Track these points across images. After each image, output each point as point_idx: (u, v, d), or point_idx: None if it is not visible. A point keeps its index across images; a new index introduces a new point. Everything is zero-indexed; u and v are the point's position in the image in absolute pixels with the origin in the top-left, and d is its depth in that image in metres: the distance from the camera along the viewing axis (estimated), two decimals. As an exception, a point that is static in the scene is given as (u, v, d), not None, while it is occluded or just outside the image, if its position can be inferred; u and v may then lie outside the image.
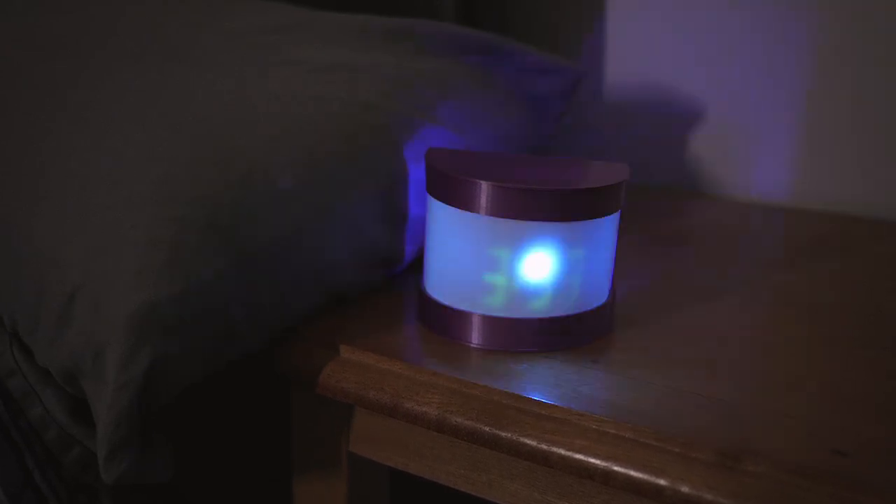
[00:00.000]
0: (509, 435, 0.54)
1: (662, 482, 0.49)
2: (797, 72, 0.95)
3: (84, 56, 0.72)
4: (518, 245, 0.59)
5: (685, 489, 0.49)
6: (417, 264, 0.69)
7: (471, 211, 0.58)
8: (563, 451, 0.52)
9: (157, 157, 0.60)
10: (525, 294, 0.60)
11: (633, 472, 0.50)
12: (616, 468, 0.51)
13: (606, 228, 0.61)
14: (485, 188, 0.58)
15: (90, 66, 0.71)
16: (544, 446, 0.53)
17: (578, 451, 0.52)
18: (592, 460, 0.51)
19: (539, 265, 0.59)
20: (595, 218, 0.59)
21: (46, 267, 0.57)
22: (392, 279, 0.71)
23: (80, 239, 0.57)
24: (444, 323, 0.62)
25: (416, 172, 0.69)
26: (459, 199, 0.59)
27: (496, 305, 0.60)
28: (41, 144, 0.64)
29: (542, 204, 0.57)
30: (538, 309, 0.60)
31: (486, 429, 0.55)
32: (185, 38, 0.75)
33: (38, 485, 0.59)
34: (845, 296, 0.72)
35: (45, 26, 0.77)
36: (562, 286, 0.60)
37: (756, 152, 0.99)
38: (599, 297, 0.63)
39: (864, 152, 0.94)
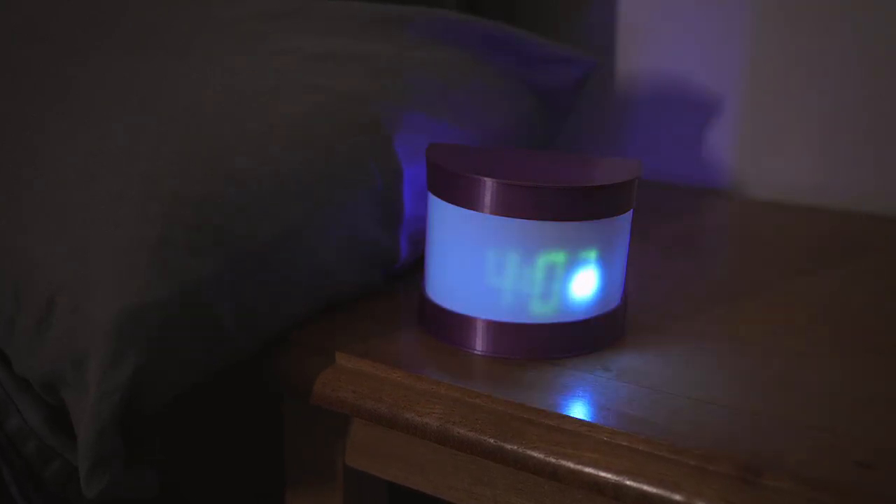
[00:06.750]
0: (515, 447, 0.54)
1: (678, 497, 0.49)
2: (818, 67, 0.95)
3: (64, 44, 0.72)
4: (525, 246, 0.58)
5: (702, 505, 0.49)
6: (418, 266, 0.69)
7: (474, 210, 0.58)
8: (571, 465, 0.52)
9: (140, 152, 0.60)
10: (532, 298, 0.60)
11: (646, 487, 0.50)
12: (628, 483, 0.51)
13: (618, 228, 0.61)
14: (489, 186, 0.57)
15: (71, 55, 0.71)
16: (552, 459, 0.53)
17: (588, 465, 0.52)
18: (603, 474, 0.51)
19: (547, 267, 0.59)
20: (606, 217, 0.59)
21: (24, 268, 0.57)
22: (391, 282, 0.71)
23: (60, 238, 0.57)
24: (446, 329, 0.62)
25: (416, 169, 0.69)
26: (462, 197, 0.59)
27: (501, 310, 0.60)
28: (18, 137, 0.64)
29: (550, 202, 0.57)
30: (546, 314, 0.60)
31: (491, 441, 0.55)
32: (171, 26, 0.75)
33: (15, 501, 0.59)
34: (869, 298, 0.72)
35: (24, 13, 0.77)
36: (571, 289, 0.60)
37: (775, 149, 0.99)
38: (611, 300, 0.63)
39: (886, 149, 0.94)
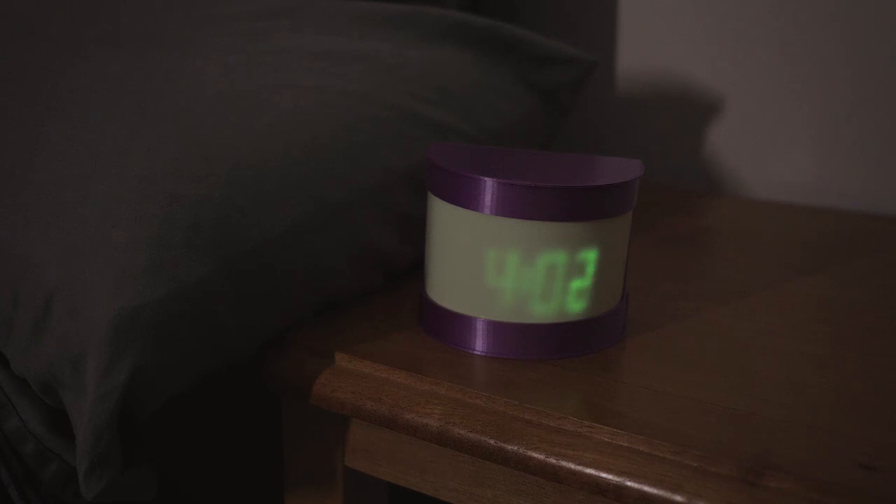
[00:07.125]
0: (516, 448, 0.54)
1: (679, 498, 0.49)
2: (819, 66, 0.95)
3: (57, 41, 0.72)
4: (525, 246, 0.58)
5: (703, 506, 0.48)
6: (418, 266, 0.69)
7: (474, 210, 0.58)
8: (573, 466, 0.52)
9: (138, 152, 0.60)
10: (532, 298, 0.59)
11: (647, 488, 0.50)
12: (629, 484, 0.50)
13: (619, 228, 0.61)
14: (489, 185, 0.57)
15: (64, 51, 0.71)
16: (553, 460, 0.53)
17: (589, 466, 0.52)
18: (604, 475, 0.51)
19: (547, 267, 0.59)
20: (606, 217, 0.59)
21: (20, 269, 0.57)
22: (391, 282, 0.70)
23: (56, 239, 0.57)
24: (446, 329, 0.62)
25: (417, 169, 0.68)
26: (462, 197, 0.58)
27: (502, 310, 0.60)
28: (10, 137, 0.63)
29: (550, 202, 0.57)
30: (546, 314, 0.60)
31: (491, 442, 0.54)
32: (168, 23, 0.75)
33: (13, 503, 0.59)
34: (871, 299, 0.72)
35: (22, 13, 0.77)
36: (571, 290, 0.60)
37: (775, 149, 0.99)
38: (612, 301, 0.62)
39: (886, 149, 0.94)
